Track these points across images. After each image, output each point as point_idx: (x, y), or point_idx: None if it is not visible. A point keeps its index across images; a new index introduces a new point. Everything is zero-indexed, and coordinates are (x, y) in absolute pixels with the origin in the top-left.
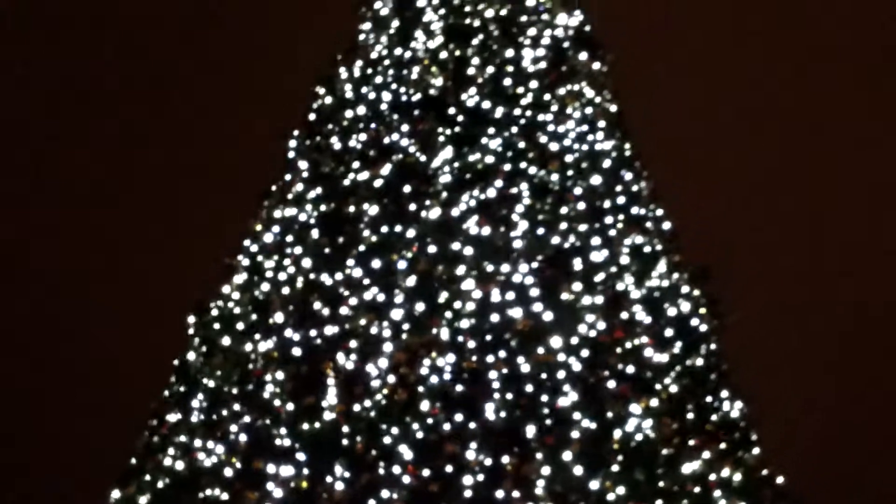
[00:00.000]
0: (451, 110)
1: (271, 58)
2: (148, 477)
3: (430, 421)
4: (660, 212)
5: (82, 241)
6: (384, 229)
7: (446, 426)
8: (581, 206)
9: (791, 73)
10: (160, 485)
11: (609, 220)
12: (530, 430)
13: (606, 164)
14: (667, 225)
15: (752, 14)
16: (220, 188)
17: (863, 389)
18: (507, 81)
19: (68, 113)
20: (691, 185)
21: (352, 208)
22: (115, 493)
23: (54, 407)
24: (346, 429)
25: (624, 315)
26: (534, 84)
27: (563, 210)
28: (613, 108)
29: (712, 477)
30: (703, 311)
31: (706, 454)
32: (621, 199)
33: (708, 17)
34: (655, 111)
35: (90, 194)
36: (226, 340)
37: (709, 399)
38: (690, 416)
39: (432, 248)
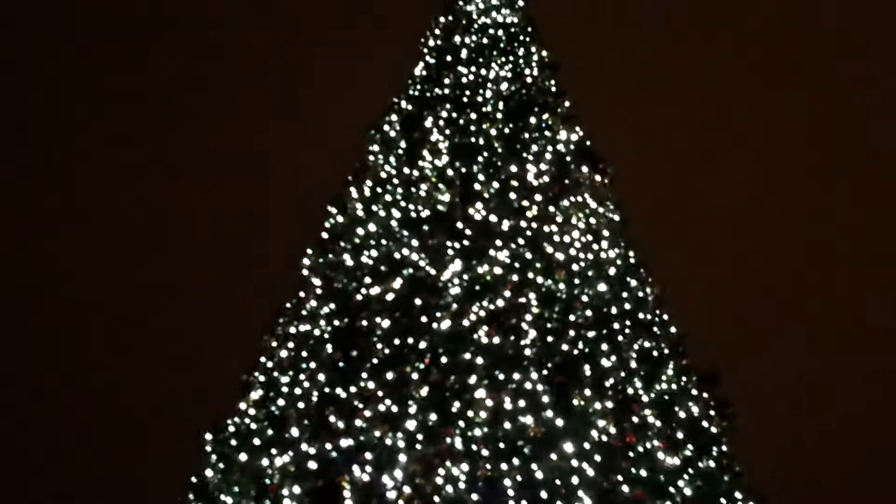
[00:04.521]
0: (459, 225)
1: (286, 178)
2: None
3: None
4: (666, 316)
5: (103, 363)
6: (397, 342)
7: None
8: (588, 313)
9: (799, 169)
10: None
11: (616, 326)
12: None
13: (612, 271)
14: (673, 329)
15: (744, 112)
16: (236, 304)
17: (879, 481)
18: (513, 195)
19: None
20: (696, 289)
21: (364, 322)
22: None
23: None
24: None
25: (635, 419)
26: (538, 197)
27: (571, 318)
28: (616, 217)
29: None
30: (712, 413)
31: None
32: (628, 306)
33: (702, 123)
34: (657, 218)
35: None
36: (243, 456)
37: (723, 501)
38: None
39: (444, 359)
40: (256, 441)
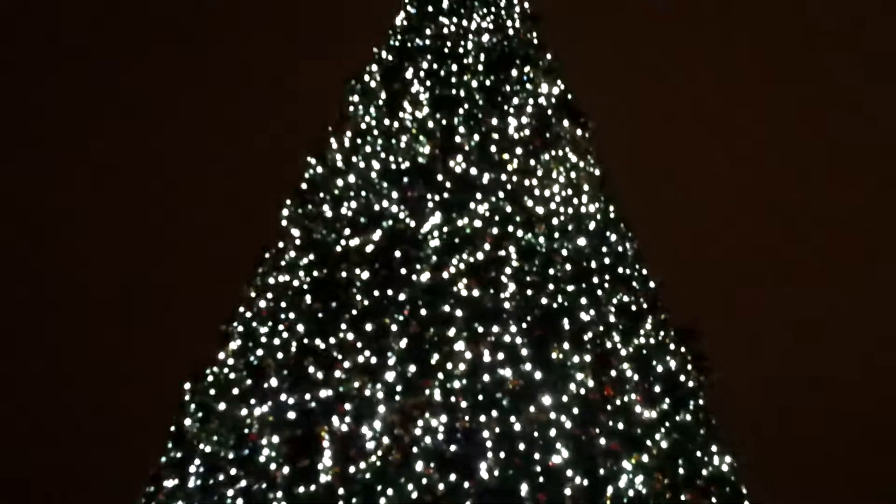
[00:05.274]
0: (440, 177)
1: (265, 128)
2: None
3: (424, 481)
4: (645, 271)
5: (84, 311)
6: (376, 293)
7: (441, 486)
8: (568, 267)
9: (776, 129)
10: None
11: (596, 280)
12: (524, 488)
13: (592, 226)
14: (652, 284)
15: (729, 78)
16: (214, 255)
17: (853, 439)
18: (493, 148)
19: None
20: (675, 244)
21: (344, 274)
22: None
23: (54, 471)
24: (341, 491)
25: (613, 373)
26: (519, 150)
27: (551, 271)
28: (597, 172)
29: None
30: (690, 367)
31: None
32: (607, 260)
33: (686, 77)
34: (637, 173)
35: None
36: (221, 406)
37: (699, 454)
38: (681, 470)
39: (423, 311)
40: (235, 391)
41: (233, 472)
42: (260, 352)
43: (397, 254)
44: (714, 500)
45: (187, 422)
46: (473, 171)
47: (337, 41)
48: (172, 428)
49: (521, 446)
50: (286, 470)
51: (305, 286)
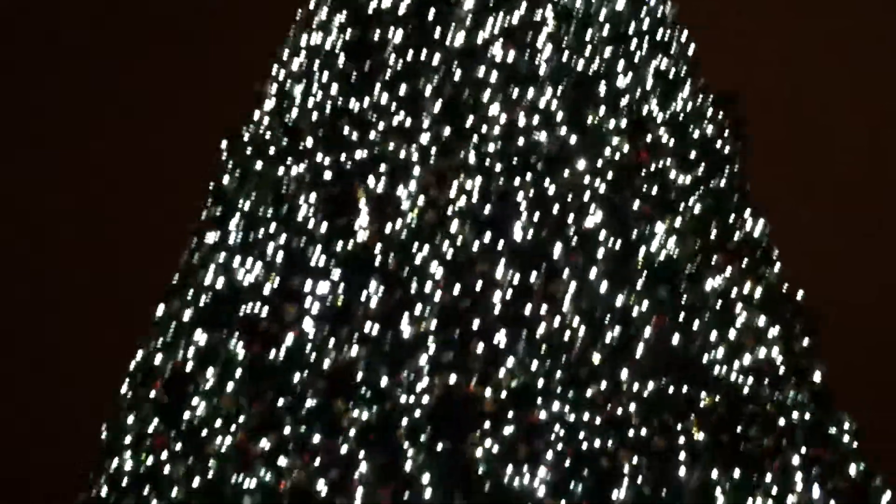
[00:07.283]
0: None
1: None
2: (190, 294)
3: (459, 241)
4: (684, 35)
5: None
6: (410, 55)
7: (475, 246)
8: (605, 30)
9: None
10: (202, 301)
11: (633, 44)
12: (557, 250)
13: None
14: (691, 48)
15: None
16: (245, 17)
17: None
18: None
19: None
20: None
21: (377, 35)
22: (160, 310)
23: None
24: (378, 247)
25: (648, 138)
26: None
27: (587, 35)
28: None
29: (734, 292)
30: (727, 133)
31: (728, 271)
32: (645, 24)
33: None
34: None
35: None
36: (258, 165)
37: (731, 218)
38: (713, 234)
39: (458, 74)
40: (272, 150)
41: (272, 228)
42: (294, 112)
43: (431, 15)
44: (745, 261)
45: (225, 179)
46: None
47: None
48: (211, 185)
49: (555, 209)
50: (324, 227)
51: (338, 47)
